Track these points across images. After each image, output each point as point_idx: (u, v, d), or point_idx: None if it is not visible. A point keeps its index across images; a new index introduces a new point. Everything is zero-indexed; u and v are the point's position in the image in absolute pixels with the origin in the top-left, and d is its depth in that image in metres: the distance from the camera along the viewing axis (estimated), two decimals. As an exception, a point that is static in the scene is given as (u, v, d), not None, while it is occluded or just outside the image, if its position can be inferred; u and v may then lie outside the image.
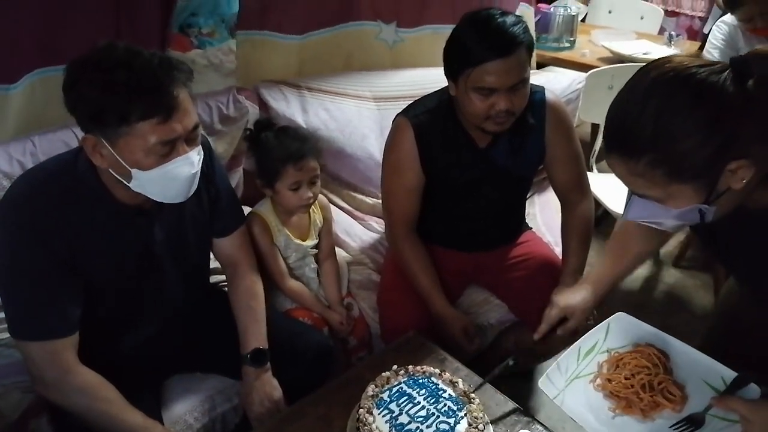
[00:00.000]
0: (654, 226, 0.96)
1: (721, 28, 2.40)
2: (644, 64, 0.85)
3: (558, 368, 1.12)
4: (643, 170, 0.82)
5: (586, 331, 1.18)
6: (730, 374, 1.04)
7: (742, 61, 0.78)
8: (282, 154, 1.48)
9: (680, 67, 0.79)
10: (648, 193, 0.85)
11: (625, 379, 1.08)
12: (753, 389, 1.00)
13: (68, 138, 1.51)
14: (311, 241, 1.63)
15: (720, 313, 1.35)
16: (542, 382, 1.10)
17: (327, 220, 1.68)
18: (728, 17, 2.41)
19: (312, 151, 1.52)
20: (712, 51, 2.40)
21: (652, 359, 1.10)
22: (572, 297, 1.20)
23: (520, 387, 1.14)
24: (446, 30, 1.40)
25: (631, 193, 0.90)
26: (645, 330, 1.17)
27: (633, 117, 0.80)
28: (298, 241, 1.60)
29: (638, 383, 1.07)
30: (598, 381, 1.11)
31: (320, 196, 1.67)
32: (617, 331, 1.17)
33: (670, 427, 1.02)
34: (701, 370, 1.08)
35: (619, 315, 1.20)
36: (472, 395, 1.12)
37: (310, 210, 1.63)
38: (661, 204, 0.86)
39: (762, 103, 0.76)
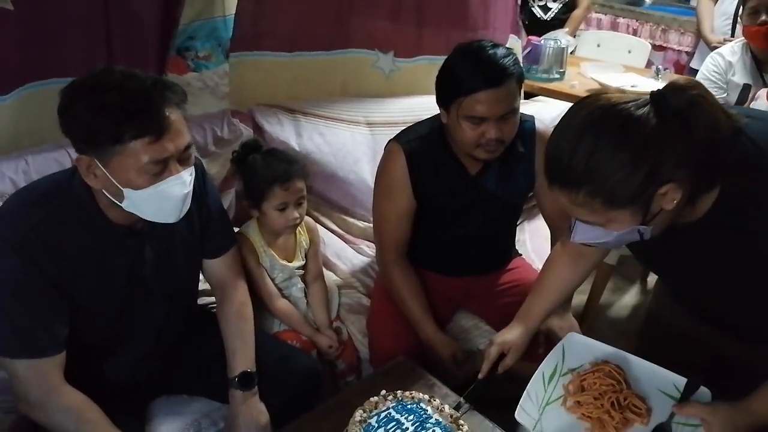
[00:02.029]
0: (599, 246, 1.05)
1: (715, 59, 2.43)
2: (577, 101, 0.93)
3: (529, 397, 1.15)
4: (583, 200, 0.89)
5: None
6: (680, 381, 1.10)
7: (660, 95, 0.86)
8: (269, 175, 1.49)
9: (607, 105, 0.87)
10: (590, 219, 0.93)
11: (594, 399, 1.11)
12: (703, 392, 1.07)
13: (62, 157, 1.52)
14: (297, 262, 1.63)
15: (651, 321, 1.42)
16: (518, 414, 1.12)
17: (314, 242, 1.68)
18: (723, 49, 2.45)
19: (299, 172, 1.53)
20: (702, 81, 2.44)
21: (613, 375, 1.14)
22: (508, 335, 1.27)
23: (508, 413, 1.14)
24: (441, 60, 1.43)
25: (575, 219, 0.97)
26: (598, 347, 1.22)
27: (568, 154, 0.87)
28: (284, 262, 1.60)
29: (607, 402, 1.10)
30: (569, 403, 1.14)
31: (308, 218, 1.68)
32: (573, 352, 1.22)
33: None
34: (656, 380, 1.13)
35: (571, 335, 1.25)
36: (461, 421, 1.12)
37: (297, 231, 1.63)
38: (602, 228, 0.93)
39: (680, 131, 0.83)
